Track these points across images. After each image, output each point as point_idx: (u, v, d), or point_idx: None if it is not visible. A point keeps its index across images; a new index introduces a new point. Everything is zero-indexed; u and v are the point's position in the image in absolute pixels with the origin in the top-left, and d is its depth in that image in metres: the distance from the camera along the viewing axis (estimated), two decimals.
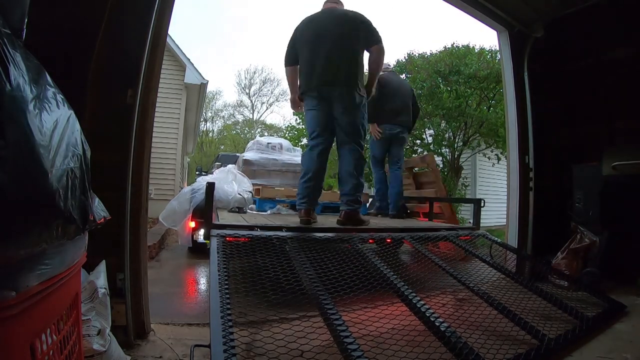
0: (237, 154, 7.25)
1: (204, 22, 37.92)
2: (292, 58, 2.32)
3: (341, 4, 2.42)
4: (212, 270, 1.41)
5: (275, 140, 4.83)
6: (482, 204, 2.70)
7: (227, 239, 1.74)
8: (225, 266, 1.44)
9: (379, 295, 1.57)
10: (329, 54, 2.14)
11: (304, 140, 13.23)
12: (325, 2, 2.43)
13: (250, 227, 1.98)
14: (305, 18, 2.33)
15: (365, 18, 2.25)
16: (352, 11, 2.29)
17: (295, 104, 2.44)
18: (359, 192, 2.24)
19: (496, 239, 2.49)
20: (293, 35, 2.33)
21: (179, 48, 7.57)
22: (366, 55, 2.31)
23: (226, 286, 1.29)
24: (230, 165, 4.29)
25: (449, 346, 1.21)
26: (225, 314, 1.13)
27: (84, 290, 1.26)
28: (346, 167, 2.23)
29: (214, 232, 1.78)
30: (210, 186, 2.08)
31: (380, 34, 2.24)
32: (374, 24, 2.25)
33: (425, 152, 7.66)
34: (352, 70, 2.16)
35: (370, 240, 2.24)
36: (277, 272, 1.50)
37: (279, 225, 2.07)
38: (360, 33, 2.20)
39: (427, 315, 1.33)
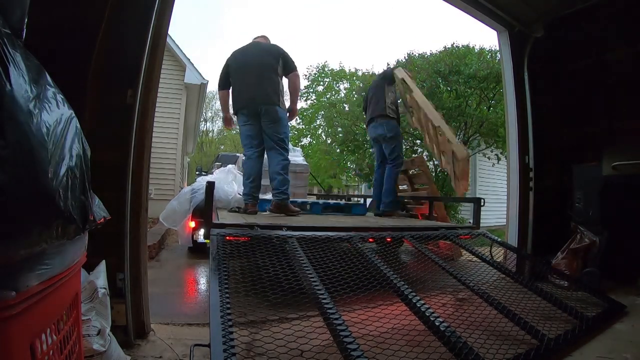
0: (237, 154, 7.23)
1: (204, 22, 37.98)
2: (224, 83, 2.82)
3: (268, 39, 2.94)
4: (211, 270, 1.41)
5: None
6: (482, 203, 2.70)
7: (227, 238, 1.73)
8: (225, 265, 1.43)
9: (379, 294, 1.56)
10: (255, 80, 2.65)
11: (304, 140, 13.22)
12: (255, 37, 2.95)
13: (250, 226, 1.98)
14: (236, 50, 2.81)
15: (284, 51, 2.76)
16: (274, 45, 2.83)
17: (227, 122, 3.04)
18: (285, 186, 2.68)
19: (496, 238, 2.49)
20: (225, 64, 2.80)
21: (179, 48, 7.58)
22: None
23: (226, 286, 1.29)
24: (230, 165, 4.28)
25: (449, 346, 1.21)
26: (225, 313, 1.12)
27: (84, 290, 1.26)
28: (274, 168, 2.69)
29: (214, 231, 1.77)
30: (210, 185, 2.07)
31: (296, 62, 2.80)
32: (291, 55, 2.79)
33: (425, 152, 7.66)
34: (273, 91, 2.67)
35: (370, 240, 2.24)
36: (277, 272, 1.49)
37: (279, 225, 2.06)
38: (280, 63, 2.71)
39: (427, 315, 1.32)
